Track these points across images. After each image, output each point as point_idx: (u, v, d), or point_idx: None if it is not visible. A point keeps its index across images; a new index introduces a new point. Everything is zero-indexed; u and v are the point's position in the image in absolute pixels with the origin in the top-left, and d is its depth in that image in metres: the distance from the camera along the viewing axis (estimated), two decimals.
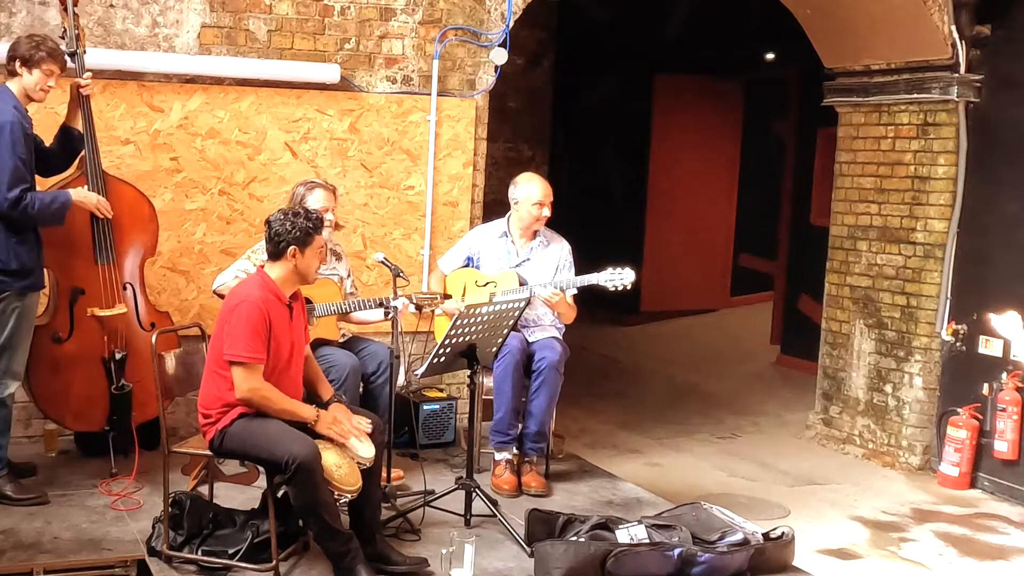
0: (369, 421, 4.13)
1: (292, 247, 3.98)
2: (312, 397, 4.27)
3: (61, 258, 4.87)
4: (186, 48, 5.52)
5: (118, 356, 4.90)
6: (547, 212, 5.28)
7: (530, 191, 5.27)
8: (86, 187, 4.81)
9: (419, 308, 5.15)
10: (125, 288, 5.00)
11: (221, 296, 4.72)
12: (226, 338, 3.89)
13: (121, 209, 4.95)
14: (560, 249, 5.40)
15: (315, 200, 4.92)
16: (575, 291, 5.24)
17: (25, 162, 4.48)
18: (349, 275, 5.27)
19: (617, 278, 5.04)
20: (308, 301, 4.87)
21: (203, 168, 5.62)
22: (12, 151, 4.43)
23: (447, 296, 5.25)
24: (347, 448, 3.97)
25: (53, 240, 4.78)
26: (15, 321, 4.60)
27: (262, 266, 4.10)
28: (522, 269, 5.32)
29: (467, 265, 5.45)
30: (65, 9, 4.79)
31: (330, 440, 3.97)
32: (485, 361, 4.71)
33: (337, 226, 5.16)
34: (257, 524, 4.07)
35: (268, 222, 4.05)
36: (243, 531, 4.09)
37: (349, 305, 4.98)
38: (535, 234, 5.37)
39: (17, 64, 4.55)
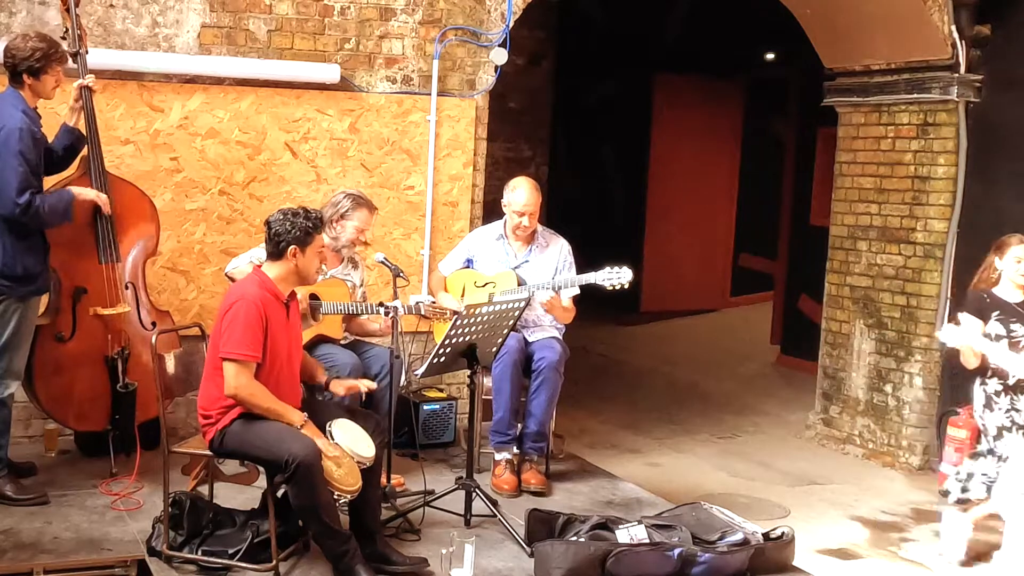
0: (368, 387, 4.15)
1: (292, 247, 3.99)
2: (312, 393, 4.28)
3: (65, 258, 4.87)
4: (186, 48, 5.52)
5: (125, 353, 4.89)
6: (527, 222, 5.24)
7: (513, 198, 5.25)
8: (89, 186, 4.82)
9: (425, 317, 5.17)
10: (127, 287, 5.00)
11: (232, 279, 4.73)
12: (222, 336, 3.90)
13: (123, 208, 4.96)
14: (559, 250, 5.39)
15: (359, 219, 5.00)
16: (577, 291, 5.23)
17: (34, 167, 4.48)
18: (362, 284, 5.27)
19: (615, 277, 5.03)
20: (315, 297, 4.89)
21: (203, 168, 5.62)
22: (21, 156, 4.42)
23: (456, 312, 5.19)
24: (346, 448, 3.97)
25: (57, 240, 4.78)
26: (16, 322, 4.60)
27: (259, 265, 4.11)
28: (521, 271, 5.31)
29: (467, 267, 5.44)
30: (67, 10, 4.79)
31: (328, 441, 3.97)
32: (485, 361, 4.71)
33: (366, 243, 5.18)
34: (257, 524, 4.08)
35: (268, 222, 4.05)
36: (243, 531, 4.09)
37: (355, 307, 4.98)
38: (532, 236, 5.36)
39: (24, 76, 4.54)
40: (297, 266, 4.02)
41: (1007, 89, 6.42)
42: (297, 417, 3.94)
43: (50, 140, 4.84)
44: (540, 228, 5.38)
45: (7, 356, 4.64)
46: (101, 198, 4.78)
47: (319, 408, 4.17)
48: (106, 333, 4.91)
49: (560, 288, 5.16)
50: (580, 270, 5.33)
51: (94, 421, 5.00)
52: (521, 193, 5.24)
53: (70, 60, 4.77)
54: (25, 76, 4.53)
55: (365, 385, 4.42)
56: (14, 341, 4.63)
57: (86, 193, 4.74)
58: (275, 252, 4.02)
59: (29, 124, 4.48)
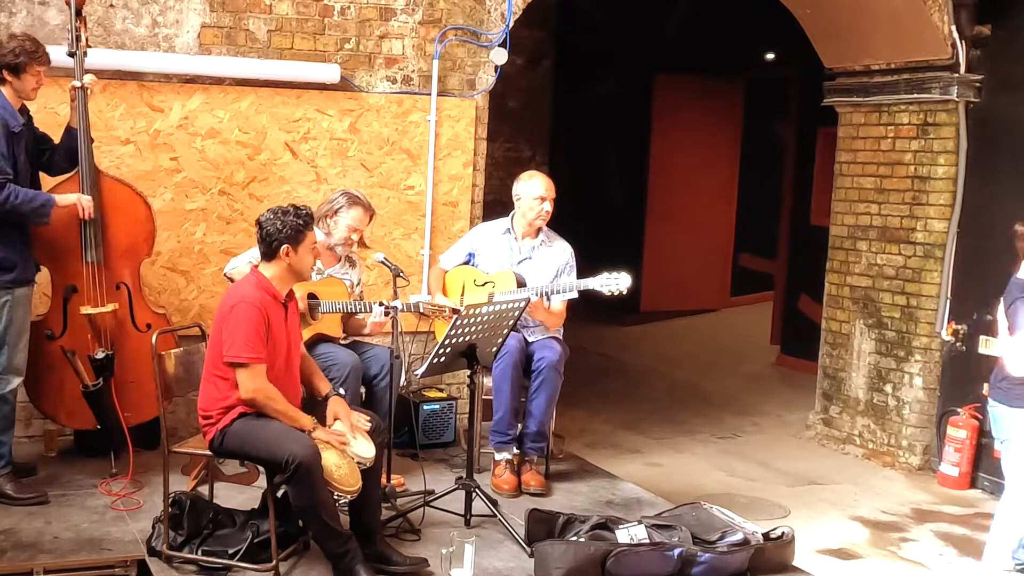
0: (368, 419, 4.14)
1: (285, 246, 3.98)
2: (311, 394, 4.27)
3: (55, 256, 4.89)
4: (186, 48, 5.52)
5: (100, 355, 4.86)
6: (548, 207, 5.28)
7: (532, 186, 5.28)
8: (78, 188, 4.82)
9: (425, 315, 5.17)
10: (118, 288, 4.99)
11: (231, 280, 4.72)
12: (225, 340, 3.90)
13: (115, 208, 4.96)
14: (562, 252, 5.38)
15: (352, 218, 4.98)
16: (575, 294, 5.22)
17: (4, 156, 4.49)
18: (360, 283, 5.27)
19: (613, 283, 5.01)
20: (313, 296, 4.89)
21: (203, 168, 5.62)
22: None
23: (455, 311, 5.19)
24: (347, 448, 3.97)
25: (46, 238, 4.80)
26: (7, 316, 4.61)
27: (256, 266, 4.10)
28: (522, 267, 5.31)
29: (468, 262, 5.44)
30: (73, 12, 4.79)
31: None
32: (485, 361, 4.71)
33: (362, 243, 5.17)
34: (257, 524, 4.08)
35: (259, 223, 4.04)
36: (243, 531, 4.09)
37: (353, 305, 4.99)
38: (538, 232, 5.37)
39: (5, 72, 4.57)
40: (291, 264, 4.01)
41: (1007, 89, 6.41)
42: (307, 421, 3.96)
43: (56, 141, 4.88)
44: (545, 228, 5.39)
45: (5, 352, 4.64)
46: (81, 202, 4.77)
47: (319, 408, 4.17)
48: (92, 332, 4.90)
49: (548, 293, 5.14)
50: (579, 272, 5.33)
51: (85, 419, 4.99)
52: (538, 181, 5.30)
53: (70, 60, 4.78)
54: (5, 72, 4.57)
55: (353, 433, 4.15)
56: (9, 336, 4.64)
57: (67, 199, 4.75)
58: (268, 252, 4.02)
59: (4, 116, 4.50)
